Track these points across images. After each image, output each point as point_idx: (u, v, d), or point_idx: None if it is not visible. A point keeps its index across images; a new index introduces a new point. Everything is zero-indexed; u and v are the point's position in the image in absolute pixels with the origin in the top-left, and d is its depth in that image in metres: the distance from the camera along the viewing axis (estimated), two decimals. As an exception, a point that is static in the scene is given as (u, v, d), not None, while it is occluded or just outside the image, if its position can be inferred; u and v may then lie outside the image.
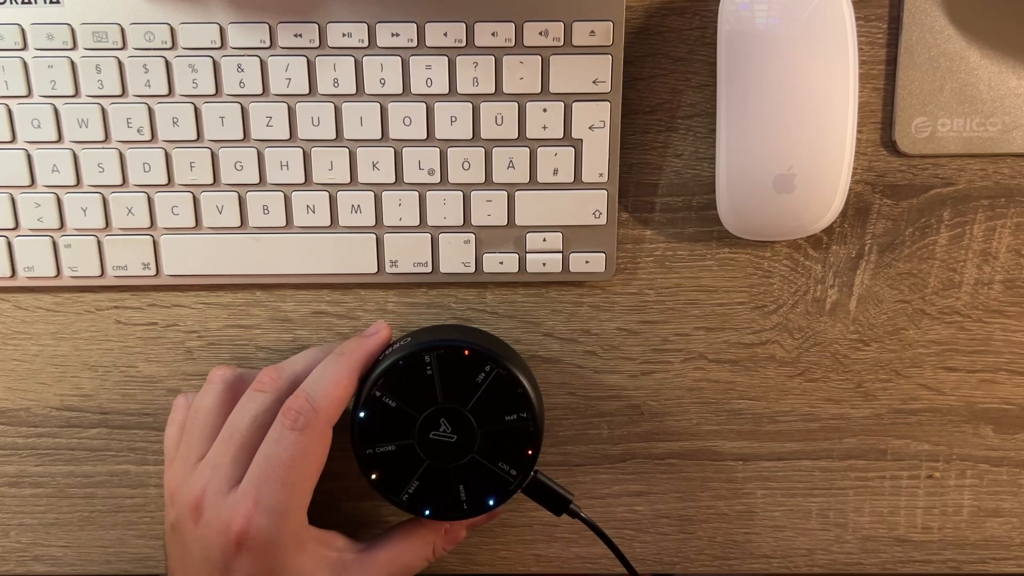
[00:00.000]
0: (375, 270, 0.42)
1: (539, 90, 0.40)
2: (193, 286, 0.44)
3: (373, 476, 0.39)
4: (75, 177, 0.41)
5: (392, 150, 0.41)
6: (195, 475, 0.38)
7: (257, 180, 0.41)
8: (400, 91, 0.40)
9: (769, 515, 0.47)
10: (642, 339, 0.45)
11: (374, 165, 0.41)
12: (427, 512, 0.39)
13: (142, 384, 0.45)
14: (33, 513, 0.47)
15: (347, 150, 0.41)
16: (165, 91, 0.40)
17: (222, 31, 0.40)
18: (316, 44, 0.40)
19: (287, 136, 0.41)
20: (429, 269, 0.42)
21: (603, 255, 0.43)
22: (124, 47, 0.40)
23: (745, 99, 0.39)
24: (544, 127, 0.41)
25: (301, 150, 0.41)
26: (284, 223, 0.42)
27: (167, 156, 0.41)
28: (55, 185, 0.41)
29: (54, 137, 0.41)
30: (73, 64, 0.40)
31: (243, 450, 0.37)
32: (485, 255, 0.42)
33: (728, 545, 0.47)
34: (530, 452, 0.38)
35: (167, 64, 0.40)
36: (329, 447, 0.38)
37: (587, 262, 0.43)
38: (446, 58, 0.40)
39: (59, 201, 0.41)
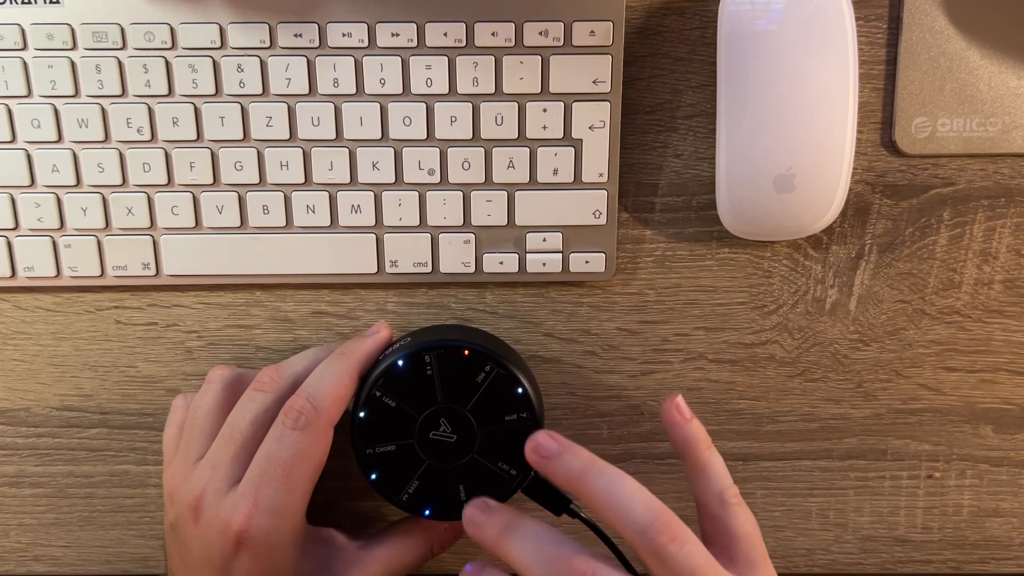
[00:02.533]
0: (375, 270, 0.42)
1: (539, 90, 0.40)
2: (193, 286, 0.44)
3: (373, 476, 0.39)
4: (75, 177, 0.41)
5: (392, 150, 0.41)
6: (194, 475, 0.38)
7: (257, 180, 0.41)
8: (400, 91, 0.40)
9: (769, 515, 0.47)
10: (642, 339, 0.45)
11: (374, 165, 0.41)
12: (427, 512, 0.39)
13: (142, 384, 0.45)
14: (33, 513, 0.47)
15: (347, 150, 0.41)
16: (165, 91, 0.40)
17: (222, 31, 0.40)
18: (316, 44, 0.40)
19: (287, 136, 0.41)
20: (429, 269, 0.42)
21: (603, 255, 0.43)
22: (124, 47, 0.40)
23: (745, 99, 0.39)
24: (544, 127, 0.41)
25: (301, 150, 0.41)
26: (284, 223, 0.42)
27: (167, 156, 0.41)
28: (55, 185, 0.41)
29: (54, 137, 0.41)
30: (73, 64, 0.40)
31: (243, 450, 0.37)
32: (485, 255, 0.42)
33: (728, 545, 0.47)
34: (530, 452, 0.38)
35: (167, 64, 0.40)
36: (330, 447, 0.38)
37: (587, 262, 0.43)
38: (446, 58, 0.40)
39: (59, 201, 0.41)
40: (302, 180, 0.41)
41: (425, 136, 0.41)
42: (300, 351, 0.41)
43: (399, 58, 0.40)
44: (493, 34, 0.40)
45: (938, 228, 0.44)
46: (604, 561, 0.33)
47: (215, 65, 0.40)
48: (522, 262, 0.42)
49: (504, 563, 0.34)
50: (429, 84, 0.40)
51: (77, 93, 0.40)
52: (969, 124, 0.42)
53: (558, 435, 0.35)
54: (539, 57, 0.40)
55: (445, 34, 0.40)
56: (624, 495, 0.33)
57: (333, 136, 0.41)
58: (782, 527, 0.47)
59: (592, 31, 0.40)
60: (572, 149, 0.41)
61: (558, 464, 0.34)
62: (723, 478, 0.37)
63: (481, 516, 0.35)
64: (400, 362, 0.38)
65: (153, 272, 0.42)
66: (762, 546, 0.36)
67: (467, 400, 0.38)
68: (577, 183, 0.41)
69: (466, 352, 0.38)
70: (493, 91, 0.40)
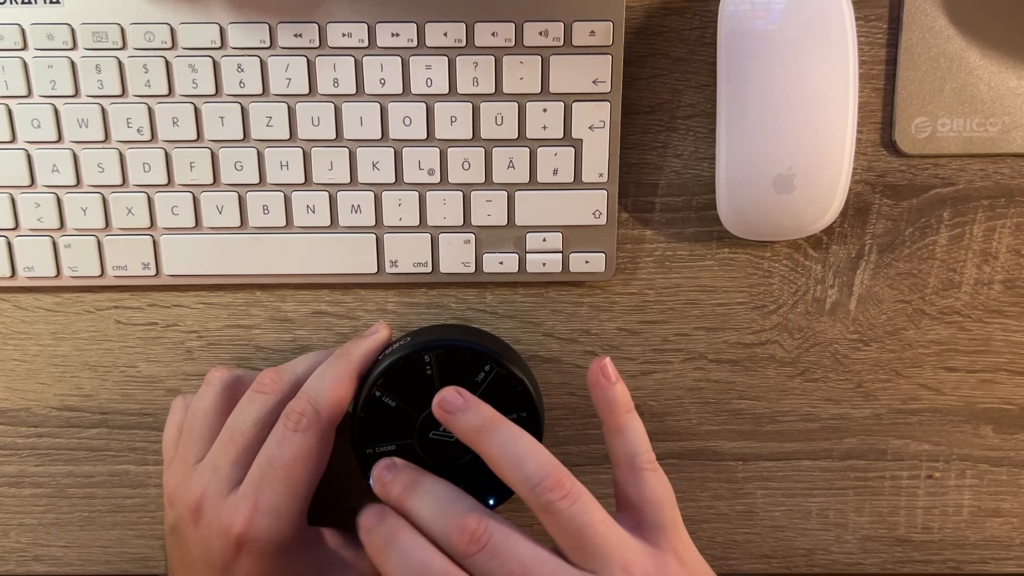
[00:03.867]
0: (375, 270, 0.42)
1: (539, 90, 0.40)
2: (193, 286, 0.44)
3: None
4: (75, 177, 0.41)
5: (392, 150, 0.41)
6: (194, 477, 0.38)
7: (257, 180, 0.41)
8: (400, 91, 0.40)
9: (769, 515, 0.47)
10: (642, 339, 0.45)
11: (374, 165, 0.41)
12: (427, 512, 0.39)
13: (142, 384, 0.45)
14: (33, 513, 0.47)
15: (347, 150, 0.41)
16: (165, 91, 0.40)
17: (222, 31, 0.40)
18: (316, 44, 0.40)
19: (287, 136, 0.41)
20: (429, 269, 0.42)
21: (603, 255, 0.43)
22: (124, 47, 0.40)
23: (745, 99, 0.39)
24: (544, 127, 0.41)
25: (301, 150, 0.41)
26: (284, 223, 0.42)
27: (167, 156, 0.41)
28: (55, 185, 0.41)
29: (54, 137, 0.41)
30: (73, 64, 0.40)
31: (244, 452, 0.37)
32: (485, 255, 0.42)
33: (728, 545, 0.47)
34: (530, 452, 0.38)
35: (167, 64, 0.40)
36: (331, 448, 0.38)
37: (587, 262, 0.43)
38: (446, 58, 0.40)
39: (59, 201, 0.41)
40: (302, 180, 0.41)
41: (425, 136, 0.41)
42: (300, 351, 0.41)
43: (399, 58, 0.40)
44: (493, 34, 0.40)
45: (938, 228, 0.44)
46: (500, 521, 0.33)
47: (215, 65, 0.40)
48: (522, 262, 0.42)
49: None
50: (429, 84, 0.40)
51: (77, 93, 0.40)
52: (969, 124, 0.42)
53: (466, 392, 0.35)
54: (539, 57, 0.40)
55: (445, 34, 0.40)
56: (518, 452, 0.33)
57: (333, 136, 0.41)
58: (782, 527, 0.47)
59: (592, 31, 0.40)
60: (572, 149, 0.41)
61: (461, 419, 0.35)
62: (638, 442, 0.36)
63: (387, 475, 0.37)
64: (400, 362, 0.38)
65: (153, 272, 0.42)
66: (673, 512, 0.36)
67: (467, 400, 0.38)
68: (577, 183, 0.41)
69: (466, 352, 0.38)
70: (493, 91, 0.40)
